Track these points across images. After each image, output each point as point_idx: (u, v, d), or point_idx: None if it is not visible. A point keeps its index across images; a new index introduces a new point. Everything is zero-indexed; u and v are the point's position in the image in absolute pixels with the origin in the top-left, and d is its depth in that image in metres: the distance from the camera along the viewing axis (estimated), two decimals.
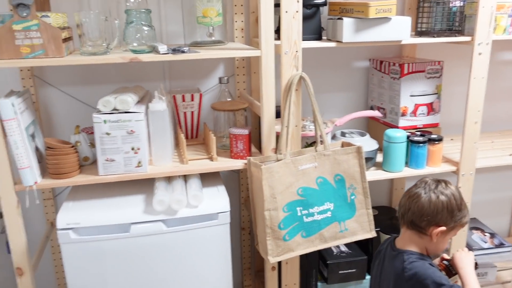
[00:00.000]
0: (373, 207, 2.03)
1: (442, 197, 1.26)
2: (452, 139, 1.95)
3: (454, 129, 2.05)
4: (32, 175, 1.31)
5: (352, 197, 1.46)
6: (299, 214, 1.41)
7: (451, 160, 1.70)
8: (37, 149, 1.38)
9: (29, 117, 1.37)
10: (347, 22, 1.44)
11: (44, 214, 1.77)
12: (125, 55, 1.32)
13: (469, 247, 1.81)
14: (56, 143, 1.38)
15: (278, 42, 1.42)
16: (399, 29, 1.48)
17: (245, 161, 1.48)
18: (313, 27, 1.55)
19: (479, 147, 1.69)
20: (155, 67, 1.76)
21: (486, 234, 1.91)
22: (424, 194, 1.29)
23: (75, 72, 1.70)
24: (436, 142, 1.63)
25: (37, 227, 1.81)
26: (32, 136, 1.37)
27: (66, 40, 1.36)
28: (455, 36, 1.57)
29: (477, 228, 1.96)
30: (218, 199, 1.42)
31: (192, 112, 1.68)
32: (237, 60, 1.78)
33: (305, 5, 1.52)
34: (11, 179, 1.31)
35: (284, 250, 1.41)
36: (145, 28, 1.39)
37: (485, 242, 1.84)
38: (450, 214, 1.27)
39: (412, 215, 1.29)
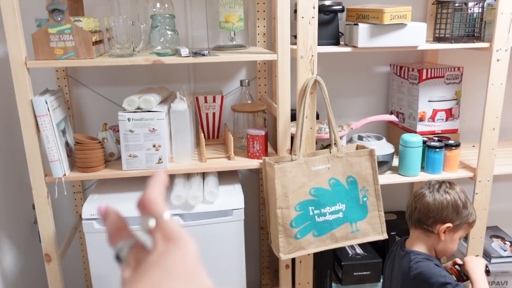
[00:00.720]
0: (392, 212, 2.06)
1: (446, 195, 1.31)
2: (474, 146, 1.94)
3: (475, 135, 2.04)
4: (61, 168, 1.42)
5: (364, 199, 1.49)
6: (311, 213, 1.45)
7: (468, 166, 1.69)
8: (67, 144, 1.49)
9: (60, 114, 1.48)
10: (363, 28, 1.48)
11: (74, 207, 1.89)
12: (149, 57, 1.40)
13: (488, 255, 1.80)
14: (85, 138, 1.48)
15: (294, 46, 1.48)
16: (414, 35, 1.50)
17: (261, 160, 1.53)
18: (331, 32, 1.59)
19: (499, 154, 1.68)
20: (180, 69, 1.85)
21: (506, 242, 1.88)
22: (428, 193, 1.34)
23: (106, 73, 1.81)
24: (453, 148, 1.63)
25: (67, 218, 1.93)
26: (63, 132, 1.47)
27: (96, 43, 1.46)
28: (473, 42, 1.58)
29: (497, 236, 1.93)
30: (233, 196, 1.48)
31: (214, 113, 1.76)
32: (259, 63, 1.84)
33: (323, 11, 1.57)
34: (42, 171, 1.42)
35: (295, 248, 1.45)
36: (169, 32, 1.47)
37: (505, 251, 1.81)
38: (456, 211, 1.30)
39: (419, 213, 1.33)
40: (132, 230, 0.45)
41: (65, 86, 1.73)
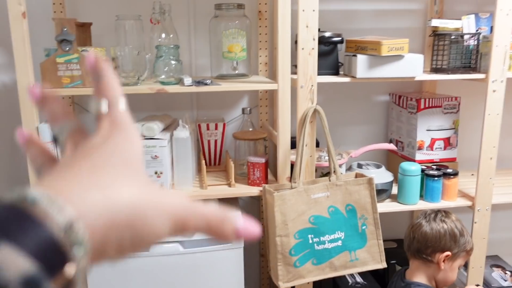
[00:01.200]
0: (392, 240, 2.07)
1: (443, 224, 1.34)
2: (472, 174, 1.95)
3: (473, 164, 2.05)
4: None
5: (363, 227, 1.50)
6: (310, 241, 1.46)
7: (467, 195, 1.71)
8: None
9: None
10: (361, 59, 1.52)
11: None
12: (153, 86, 1.44)
13: (488, 284, 1.79)
14: None
15: (295, 76, 1.52)
16: (412, 66, 1.54)
17: (261, 188, 1.55)
18: (331, 63, 1.64)
19: (497, 183, 1.69)
20: (184, 97, 1.89)
21: (507, 272, 1.88)
22: (425, 222, 1.36)
23: None
24: (452, 177, 1.65)
25: None
26: None
27: None
28: (470, 73, 1.62)
29: (498, 266, 1.93)
30: None
31: (216, 140, 1.79)
32: (261, 92, 1.88)
33: (323, 42, 1.62)
34: None
35: (294, 276, 1.45)
36: (173, 62, 1.51)
37: (505, 280, 1.81)
38: (453, 239, 1.32)
39: (417, 243, 1.34)
40: (72, 113, 0.41)
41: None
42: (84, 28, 1.64)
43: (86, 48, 1.46)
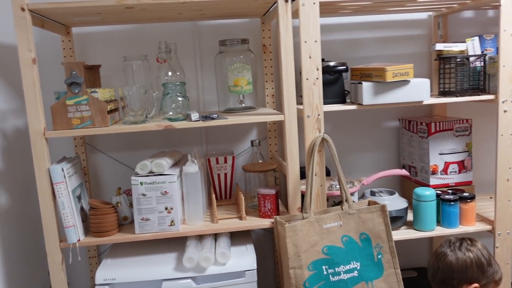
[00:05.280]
0: (411, 269, 2.00)
1: (469, 254, 1.27)
2: (491, 197, 1.90)
3: (490, 186, 2.01)
4: (76, 233, 1.44)
5: (379, 256, 1.46)
6: (325, 273, 1.42)
7: (486, 218, 1.65)
8: (82, 209, 1.53)
9: (76, 180, 1.52)
10: (366, 86, 1.52)
11: (89, 272, 1.89)
12: (160, 123, 1.46)
13: None
14: (99, 203, 1.51)
15: (301, 106, 1.52)
16: (418, 91, 1.53)
17: (272, 220, 1.54)
18: (336, 91, 1.64)
19: None
20: (192, 132, 1.91)
21: None
22: (450, 251, 1.30)
23: (121, 138, 1.88)
24: (469, 201, 1.61)
25: (83, 283, 1.93)
26: (78, 198, 1.51)
27: (111, 111, 1.53)
28: (479, 94, 1.60)
29: None
30: (245, 257, 1.47)
31: (226, 174, 1.78)
32: (269, 124, 1.89)
33: (328, 72, 1.63)
34: (57, 237, 1.44)
35: None
36: (180, 98, 1.53)
37: None
38: (480, 269, 1.26)
39: (442, 274, 1.29)
40: None
41: (82, 152, 1.80)
42: (93, 71, 1.68)
43: (95, 89, 1.49)
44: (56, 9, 1.37)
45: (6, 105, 1.63)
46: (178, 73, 1.67)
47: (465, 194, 1.63)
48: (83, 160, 1.80)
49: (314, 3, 1.44)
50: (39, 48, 1.79)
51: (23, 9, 1.33)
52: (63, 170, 1.42)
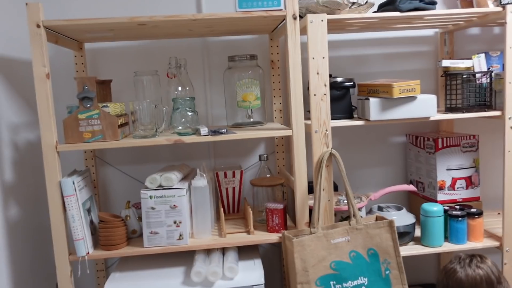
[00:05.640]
0: (419, 285, 1.99)
1: (479, 271, 1.27)
2: (499, 213, 1.90)
3: (497, 203, 2.01)
4: (85, 246, 1.45)
5: (387, 272, 1.46)
6: None
7: (494, 235, 1.65)
8: (91, 223, 1.54)
9: (86, 193, 1.54)
10: (374, 102, 1.53)
11: (96, 285, 1.90)
12: (170, 137, 1.48)
13: None
14: (108, 217, 1.53)
15: (309, 121, 1.54)
16: (425, 107, 1.54)
17: (280, 234, 1.54)
18: (344, 107, 1.66)
19: None
20: (201, 146, 1.93)
21: None
22: (460, 268, 1.29)
23: (131, 152, 1.90)
24: (476, 216, 1.61)
25: None
26: (88, 211, 1.53)
27: (122, 125, 1.55)
28: (485, 111, 1.61)
29: None
30: (253, 272, 1.48)
31: (234, 188, 1.80)
32: (277, 138, 1.90)
33: (336, 87, 1.65)
34: (67, 250, 1.46)
35: None
36: (189, 113, 1.56)
37: None
38: (490, 287, 1.25)
39: None
40: None
41: (93, 166, 1.82)
42: (104, 85, 1.71)
43: (106, 103, 1.52)
44: (71, 26, 1.40)
45: (18, 119, 1.66)
46: (187, 88, 1.70)
47: (472, 210, 1.63)
48: (93, 173, 1.82)
49: (322, 21, 1.47)
50: (52, 63, 1.83)
51: (38, 26, 1.37)
52: (73, 183, 1.44)
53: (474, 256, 1.32)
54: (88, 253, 1.47)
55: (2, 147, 1.53)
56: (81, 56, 1.77)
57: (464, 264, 1.31)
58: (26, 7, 1.36)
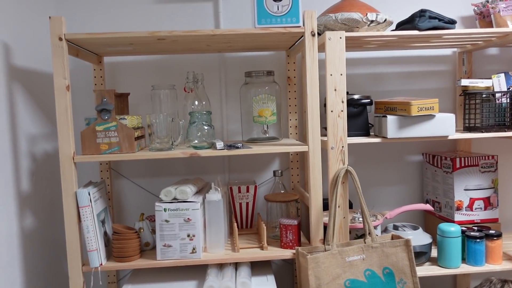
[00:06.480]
0: None
1: None
2: None
3: None
4: (98, 258, 1.45)
5: None
6: None
7: None
8: (105, 234, 1.54)
9: (101, 204, 1.55)
10: (391, 120, 1.53)
11: None
12: (186, 151, 1.48)
13: None
14: (122, 228, 1.53)
15: (325, 138, 1.53)
16: (443, 126, 1.53)
17: (294, 251, 1.52)
18: (360, 124, 1.65)
19: None
20: (216, 161, 1.93)
21: None
22: None
23: (146, 165, 1.91)
24: (495, 238, 1.57)
25: None
26: (102, 222, 1.53)
27: (138, 138, 1.56)
28: (505, 131, 1.59)
29: None
30: None
31: (247, 203, 1.79)
32: (291, 154, 1.90)
33: (352, 104, 1.64)
34: (80, 261, 1.46)
35: None
36: (205, 127, 1.56)
37: None
38: None
39: None
40: None
41: (108, 178, 1.83)
42: (122, 98, 1.73)
43: (124, 116, 1.53)
44: (92, 39, 1.43)
45: (36, 130, 1.69)
46: (204, 103, 1.71)
47: (491, 231, 1.59)
48: (108, 185, 1.83)
49: (340, 38, 1.48)
50: (71, 76, 1.86)
51: (60, 39, 1.40)
52: (89, 194, 1.45)
53: (506, 282, 1.27)
54: (101, 264, 1.46)
55: (19, 157, 1.55)
56: (100, 69, 1.80)
57: None
58: (50, 21, 1.39)
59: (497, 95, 1.62)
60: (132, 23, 1.87)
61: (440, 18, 1.55)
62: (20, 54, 1.58)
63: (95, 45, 1.54)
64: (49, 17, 1.40)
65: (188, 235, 1.48)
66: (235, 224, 1.63)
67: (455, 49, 1.95)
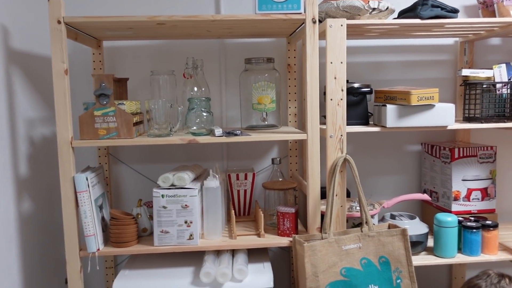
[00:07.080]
0: None
1: None
2: None
3: None
4: (95, 243, 1.46)
5: (398, 281, 1.44)
6: None
7: (509, 248, 1.62)
8: (103, 219, 1.54)
9: (99, 190, 1.55)
10: (391, 109, 1.52)
11: (105, 282, 1.90)
12: (184, 137, 1.48)
13: None
14: (120, 214, 1.53)
15: (324, 126, 1.52)
16: (443, 116, 1.52)
17: (291, 238, 1.53)
18: (360, 113, 1.64)
19: None
20: (214, 148, 1.93)
21: None
22: (485, 286, 1.25)
23: (144, 151, 1.91)
24: (491, 229, 1.58)
25: None
26: (100, 207, 1.53)
27: (137, 124, 1.56)
28: (504, 122, 1.58)
29: None
30: (262, 275, 1.46)
31: (245, 190, 1.79)
32: (290, 142, 1.90)
33: (352, 93, 1.64)
34: (77, 245, 1.46)
35: None
36: (204, 114, 1.56)
37: None
38: None
39: None
40: None
41: (106, 163, 1.83)
42: (121, 83, 1.72)
43: (122, 101, 1.53)
44: (91, 22, 1.41)
45: (35, 114, 1.68)
46: (203, 89, 1.70)
47: (487, 222, 1.60)
48: (106, 170, 1.83)
49: (341, 25, 1.46)
50: (70, 60, 1.85)
51: (59, 22, 1.38)
52: (87, 179, 1.45)
53: (503, 276, 1.27)
54: (98, 249, 1.47)
55: (17, 141, 1.55)
56: (99, 53, 1.78)
57: (490, 283, 1.26)
58: (48, 3, 1.37)
59: (498, 85, 1.61)
60: (132, 7, 1.85)
61: (442, 7, 1.53)
62: (19, 37, 1.57)
63: (94, 28, 1.53)
64: (48, 0, 1.38)
65: (186, 222, 1.48)
66: (233, 211, 1.64)
67: (456, 39, 1.93)
